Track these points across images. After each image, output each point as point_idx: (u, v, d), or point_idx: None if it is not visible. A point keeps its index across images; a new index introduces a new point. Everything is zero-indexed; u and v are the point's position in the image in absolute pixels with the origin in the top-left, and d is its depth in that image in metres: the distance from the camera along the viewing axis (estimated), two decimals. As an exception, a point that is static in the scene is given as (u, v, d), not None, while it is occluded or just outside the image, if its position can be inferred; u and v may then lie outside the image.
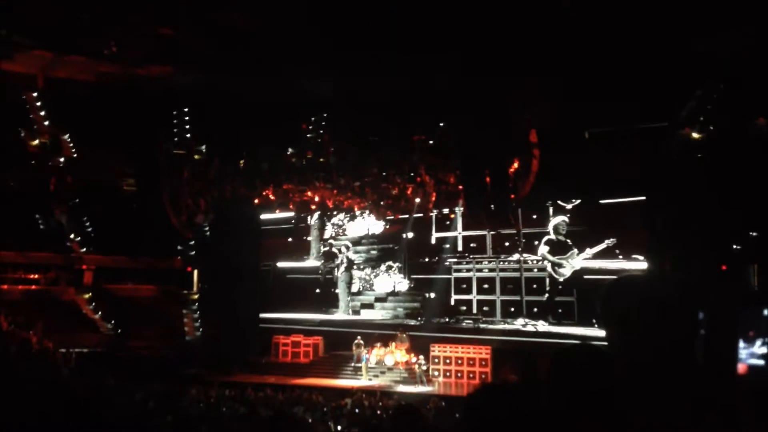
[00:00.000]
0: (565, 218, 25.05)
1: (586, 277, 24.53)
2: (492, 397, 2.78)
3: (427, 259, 29.79)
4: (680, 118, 20.04)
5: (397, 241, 30.91)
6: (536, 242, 26.42)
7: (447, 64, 20.54)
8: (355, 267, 31.80)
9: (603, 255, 24.13)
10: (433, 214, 29.08)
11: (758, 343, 3.79)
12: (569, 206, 25.26)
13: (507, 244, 27.25)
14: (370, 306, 31.00)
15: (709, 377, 3.18)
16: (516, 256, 26.74)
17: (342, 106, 26.23)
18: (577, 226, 25.00)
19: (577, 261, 24.68)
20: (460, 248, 28.89)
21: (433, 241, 29.92)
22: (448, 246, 29.17)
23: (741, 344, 3.75)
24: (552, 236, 25.33)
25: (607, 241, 23.59)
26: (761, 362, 3.72)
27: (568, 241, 25.07)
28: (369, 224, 31.82)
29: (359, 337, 26.92)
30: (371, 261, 31.56)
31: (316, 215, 32.67)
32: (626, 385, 2.53)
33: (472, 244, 28.60)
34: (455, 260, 28.67)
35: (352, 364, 26.52)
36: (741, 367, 3.75)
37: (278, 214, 32.58)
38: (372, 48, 21.51)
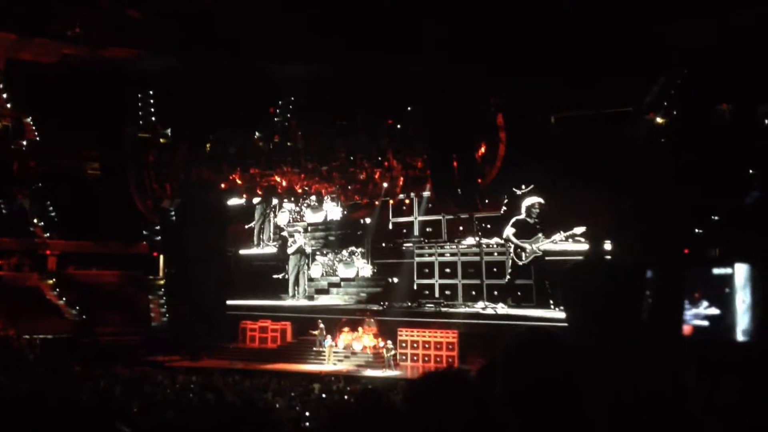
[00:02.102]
0: (540, 200, 24.96)
1: (547, 258, 24.61)
2: (439, 385, 2.80)
3: (384, 245, 29.84)
4: (644, 104, 20.26)
5: (354, 227, 30.94)
6: (488, 226, 26.57)
7: (417, 52, 20.54)
8: (316, 252, 31.82)
9: (567, 237, 24.20)
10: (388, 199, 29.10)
11: (704, 304, 3.88)
12: (519, 192, 25.28)
13: (462, 228, 27.42)
14: (325, 291, 31.04)
15: (657, 340, 3.23)
16: (470, 240, 26.90)
17: (310, 90, 26.11)
18: (547, 209, 24.89)
19: (541, 246, 24.72)
20: (416, 233, 28.99)
21: (390, 227, 29.97)
22: (412, 231, 29.21)
23: (686, 305, 3.86)
24: (522, 216, 25.24)
25: (576, 230, 23.62)
26: (706, 323, 3.82)
27: (537, 225, 25.04)
28: (327, 210, 31.79)
29: (320, 321, 27.26)
30: (328, 247, 31.55)
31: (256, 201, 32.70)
32: (585, 368, 2.54)
33: (428, 229, 28.71)
34: (411, 245, 28.76)
35: (314, 349, 26.77)
36: (686, 329, 3.84)
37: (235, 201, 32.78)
38: (342, 36, 21.47)
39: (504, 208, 25.83)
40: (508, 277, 25.71)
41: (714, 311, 3.71)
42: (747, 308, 3.65)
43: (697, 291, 3.81)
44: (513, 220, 25.36)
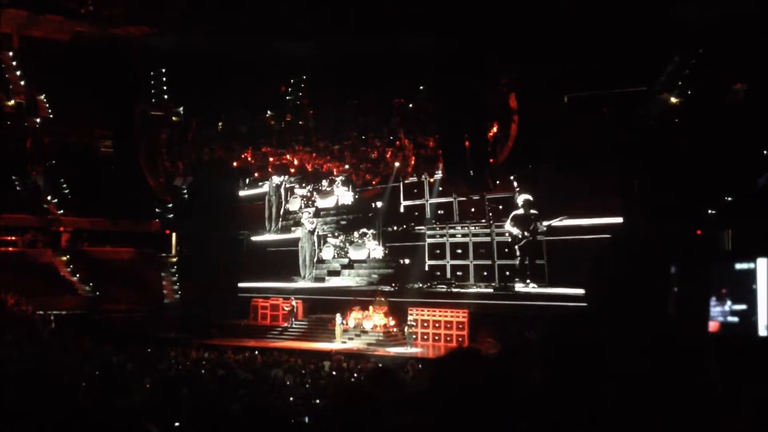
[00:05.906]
0: (529, 197, 24.68)
1: (555, 238, 24.36)
2: (465, 363, 2.82)
3: (395, 228, 29.76)
4: (658, 83, 20.09)
5: (366, 210, 30.86)
6: (500, 207, 26.39)
7: (429, 30, 20.45)
8: (327, 235, 31.84)
9: (573, 215, 23.86)
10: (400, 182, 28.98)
11: (729, 302, 3.84)
12: (512, 176, 25.14)
13: (473, 210, 27.25)
14: (337, 273, 31.10)
15: (683, 332, 3.24)
16: (483, 222, 26.79)
17: (321, 68, 26.05)
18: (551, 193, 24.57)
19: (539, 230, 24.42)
20: (428, 215, 28.83)
21: (402, 209, 29.79)
22: (424, 213, 29.07)
23: (713, 301, 3.82)
24: (520, 212, 24.90)
25: (561, 218, 23.46)
26: (735, 319, 3.78)
27: (532, 217, 24.67)
28: (338, 195, 31.60)
29: (293, 298, 28.44)
30: (340, 230, 31.49)
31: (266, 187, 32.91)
32: (612, 345, 2.56)
33: (440, 211, 28.54)
34: (423, 228, 28.66)
35: (285, 324, 28.01)
36: (713, 325, 3.81)
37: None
38: (353, 14, 21.39)
39: (517, 189, 25.55)
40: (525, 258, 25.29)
41: (741, 307, 3.67)
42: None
43: (723, 287, 3.78)
44: (511, 215, 25.07)
